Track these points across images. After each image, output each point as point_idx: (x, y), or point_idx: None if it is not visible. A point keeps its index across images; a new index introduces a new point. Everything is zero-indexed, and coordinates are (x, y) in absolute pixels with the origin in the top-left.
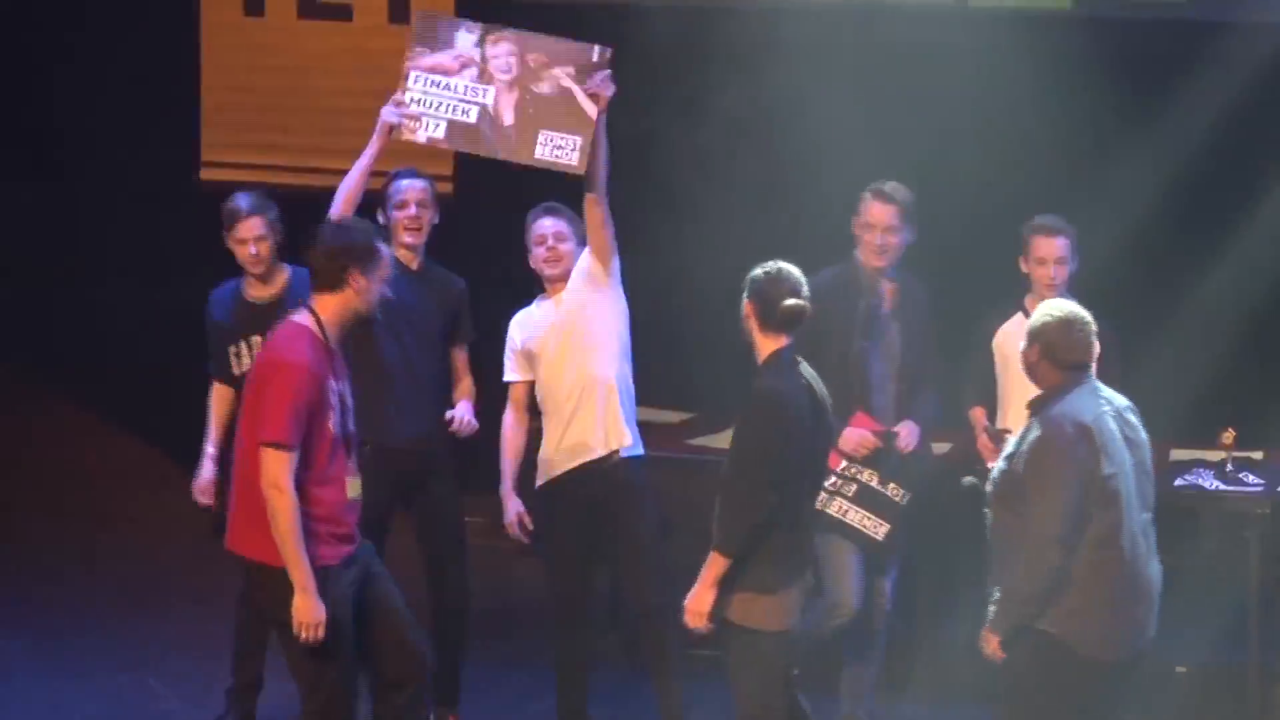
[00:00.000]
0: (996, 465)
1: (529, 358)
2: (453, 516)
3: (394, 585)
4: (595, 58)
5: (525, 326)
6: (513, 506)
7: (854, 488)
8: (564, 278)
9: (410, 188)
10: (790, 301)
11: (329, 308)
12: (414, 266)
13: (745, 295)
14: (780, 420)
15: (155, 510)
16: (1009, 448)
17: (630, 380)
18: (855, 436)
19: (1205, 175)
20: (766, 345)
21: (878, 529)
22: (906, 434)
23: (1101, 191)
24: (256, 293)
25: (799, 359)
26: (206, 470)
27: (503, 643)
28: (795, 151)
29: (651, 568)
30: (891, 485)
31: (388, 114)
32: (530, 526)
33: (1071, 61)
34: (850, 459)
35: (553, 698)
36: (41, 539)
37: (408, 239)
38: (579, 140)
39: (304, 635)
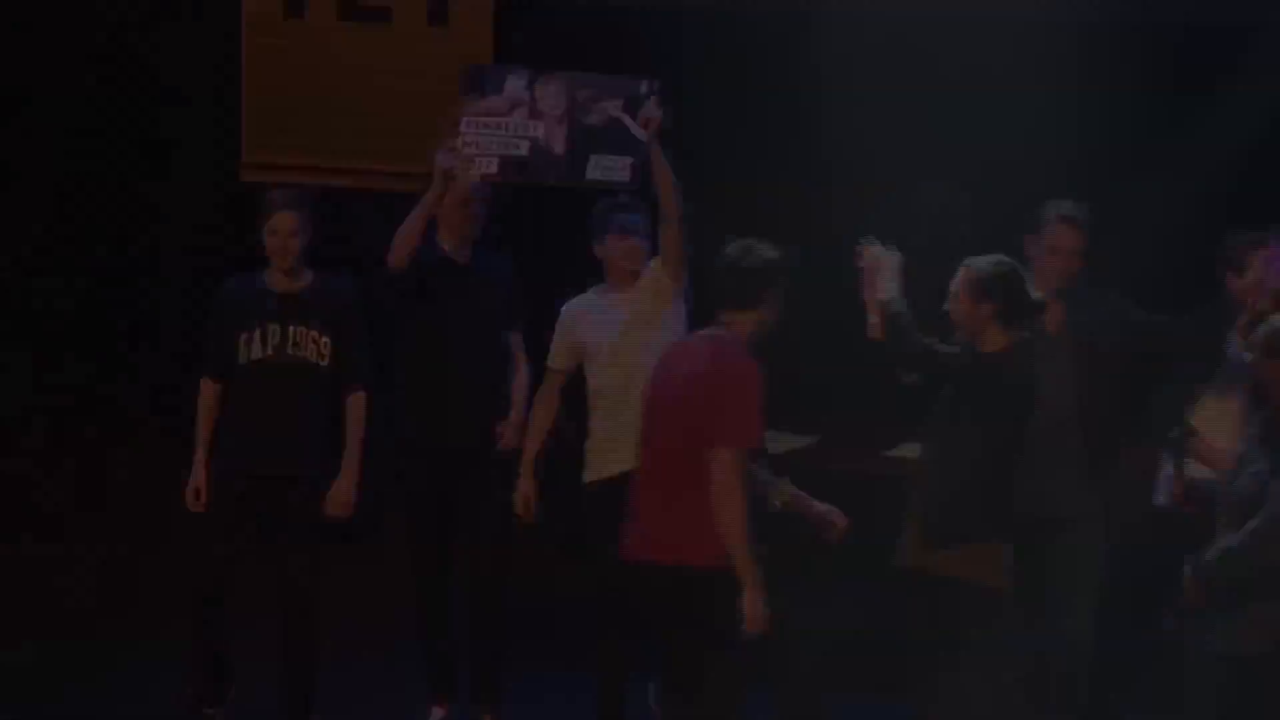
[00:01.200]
0: (1239, 480)
1: (581, 350)
2: (492, 518)
3: None
4: (644, 90)
5: (582, 318)
6: (524, 487)
7: None
8: (635, 276)
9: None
10: (1041, 297)
11: (744, 324)
12: (460, 261)
13: (984, 291)
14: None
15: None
16: (1252, 462)
17: None
18: None
19: (1249, 177)
20: (1003, 338)
21: None
22: None
23: (1147, 196)
24: (281, 284)
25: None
26: (200, 478)
27: (543, 643)
28: (880, 165)
29: None
30: None
31: (442, 159)
32: (535, 509)
33: (1114, 69)
34: None
35: (592, 699)
36: (79, 544)
37: (463, 230)
38: (630, 160)
39: (753, 629)
